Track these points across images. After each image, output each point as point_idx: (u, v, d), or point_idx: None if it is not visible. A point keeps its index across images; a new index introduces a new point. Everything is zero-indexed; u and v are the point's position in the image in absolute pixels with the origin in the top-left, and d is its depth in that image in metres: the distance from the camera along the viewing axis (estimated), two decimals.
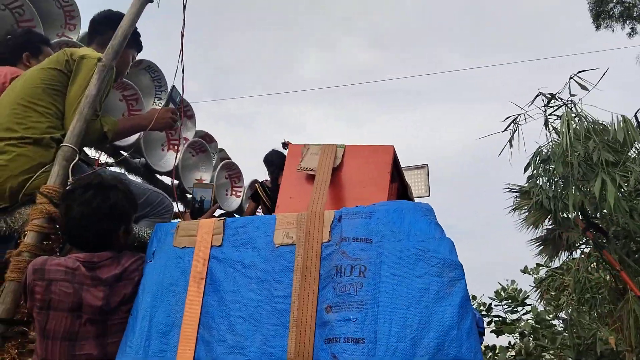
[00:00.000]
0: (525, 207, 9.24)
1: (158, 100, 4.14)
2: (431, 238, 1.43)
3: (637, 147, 4.88)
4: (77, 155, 1.94)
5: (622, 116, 4.59)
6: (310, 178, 1.85)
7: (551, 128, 4.64)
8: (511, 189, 8.49)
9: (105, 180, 1.74)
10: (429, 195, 4.76)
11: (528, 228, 9.58)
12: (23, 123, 1.99)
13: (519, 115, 4.62)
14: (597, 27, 14.01)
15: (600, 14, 13.96)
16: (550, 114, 4.64)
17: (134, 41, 2.46)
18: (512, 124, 4.64)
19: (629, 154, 4.89)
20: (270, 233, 1.60)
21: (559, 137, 4.62)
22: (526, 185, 5.77)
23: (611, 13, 13.87)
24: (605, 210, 4.65)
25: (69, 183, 1.88)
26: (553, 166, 4.72)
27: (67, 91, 2.09)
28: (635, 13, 13.61)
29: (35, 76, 2.09)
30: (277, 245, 1.57)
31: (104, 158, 3.84)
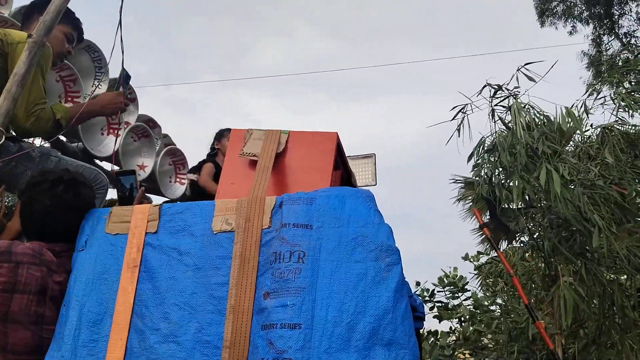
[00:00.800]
0: (470, 198, 9.57)
1: (98, 81, 3.95)
2: (370, 224, 1.44)
3: (577, 139, 5.14)
4: (4, 136, 1.82)
5: (566, 108, 4.82)
6: (253, 164, 1.82)
7: (497, 118, 4.79)
8: (456, 180, 8.75)
9: (75, 175, 1.74)
10: (376, 184, 4.82)
11: (471, 218, 9.93)
12: None
13: (465, 105, 4.73)
14: (542, 24, 14.59)
15: (544, 12, 14.52)
16: (496, 105, 4.79)
17: (69, 18, 2.34)
18: (460, 114, 4.75)
19: (567, 147, 5.16)
20: (209, 220, 1.57)
21: (505, 128, 4.79)
22: (471, 174, 5.96)
23: (555, 11, 14.46)
24: (544, 202, 4.88)
25: None
26: (497, 156, 4.88)
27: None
28: (575, 12, 14.24)
29: None
30: (215, 232, 1.54)
31: (38, 141, 3.65)
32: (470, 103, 4.76)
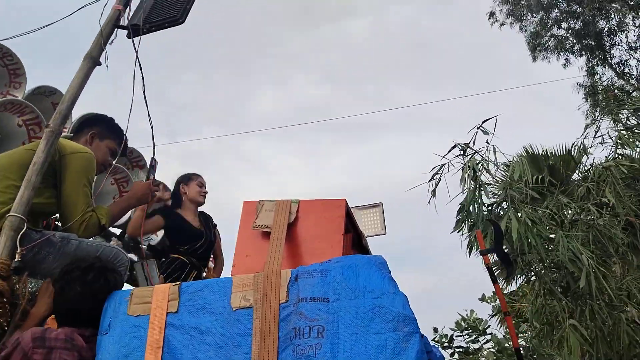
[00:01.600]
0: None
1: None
2: (385, 293, 1.47)
3: (575, 178, 5.22)
4: (25, 225, 1.89)
5: (522, 156, 5.05)
6: (266, 235, 1.87)
7: (466, 176, 4.97)
8: (461, 229, 8.73)
9: (105, 263, 1.85)
10: (385, 233, 4.84)
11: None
12: None
13: (442, 166, 4.93)
14: (534, 59, 14.91)
15: (536, 47, 14.87)
16: (465, 163, 4.99)
17: (115, 133, 2.48)
18: (436, 175, 4.95)
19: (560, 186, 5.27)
20: (227, 296, 1.60)
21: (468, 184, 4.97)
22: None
23: (546, 46, 14.80)
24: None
25: (17, 253, 1.83)
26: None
27: (61, 185, 2.13)
28: (567, 45, 14.56)
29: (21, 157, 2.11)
30: (234, 309, 1.57)
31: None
32: (448, 162, 4.98)
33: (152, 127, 2.43)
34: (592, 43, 14.02)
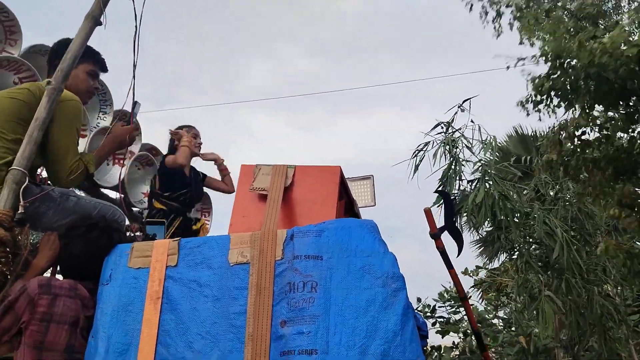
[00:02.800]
0: (466, 212, 9.71)
1: (103, 114, 4.09)
2: (376, 253, 1.56)
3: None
4: (27, 178, 1.94)
5: (493, 137, 5.21)
6: (262, 197, 1.94)
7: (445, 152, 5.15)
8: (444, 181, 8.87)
9: (110, 222, 1.92)
10: (375, 205, 4.95)
11: (469, 230, 10.06)
12: None
13: (427, 143, 5.09)
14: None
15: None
16: (443, 140, 5.16)
17: (88, 55, 2.40)
18: (421, 152, 5.11)
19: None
20: (225, 252, 1.68)
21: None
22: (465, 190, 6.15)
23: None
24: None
25: (20, 205, 1.88)
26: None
27: (48, 133, 2.08)
28: None
29: (4, 105, 2.08)
30: (232, 264, 1.65)
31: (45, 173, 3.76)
32: (432, 140, 5.13)
33: (134, 77, 2.37)
34: None
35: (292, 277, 1.54)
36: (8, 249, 1.83)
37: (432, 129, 5.27)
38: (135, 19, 2.21)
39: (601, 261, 4.70)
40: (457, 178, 5.08)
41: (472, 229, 10.05)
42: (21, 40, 3.37)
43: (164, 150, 4.39)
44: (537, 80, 4.62)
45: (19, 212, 1.86)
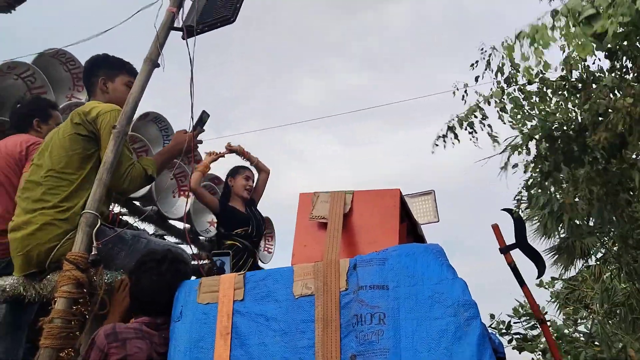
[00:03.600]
0: (536, 218, 9.25)
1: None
2: (444, 280, 1.50)
3: None
4: (99, 221, 2.03)
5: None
6: (323, 226, 1.93)
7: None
8: (519, 199, 8.43)
9: (177, 255, 1.96)
10: (439, 221, 4.81)
11: (540, 238, 9.57)
12: (55, 193, 2.10)
13: (515, 137, 4.73)
14: None
15: None
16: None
17: (120, 66, 2.47)
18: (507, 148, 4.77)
19: None
20: (290, 284, 1.68)
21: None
22: (536, 194, 5.74)
23: None
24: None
25: (94, 247, 1.97)
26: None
27: (102, 152, 2.17)
28: None
29: (61, 146, 2.18)
30: (296, 297, 1.64)
31: (116, 209, 3.96)
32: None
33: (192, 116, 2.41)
34: None
35: (358, 308, 1.51)
36: (85, 290, 1.92)
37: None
38: (191, 63, 2.28)
39: None
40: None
41: (543, 236, 9.58)
42: None
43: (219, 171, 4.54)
44: None
45: (92, 253, 1.95)
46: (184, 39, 2.43)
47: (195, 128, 2.45)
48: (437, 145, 4.96)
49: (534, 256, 2.45)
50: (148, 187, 3.85)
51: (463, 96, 4.99)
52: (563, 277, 8.66)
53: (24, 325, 2.44)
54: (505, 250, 2.32)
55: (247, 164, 4.13)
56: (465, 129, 4.79)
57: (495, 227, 2.45)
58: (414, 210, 4.82)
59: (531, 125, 4.70)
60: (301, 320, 1.60)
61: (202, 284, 1.81)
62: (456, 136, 4.79)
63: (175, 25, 2.46)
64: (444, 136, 4.88)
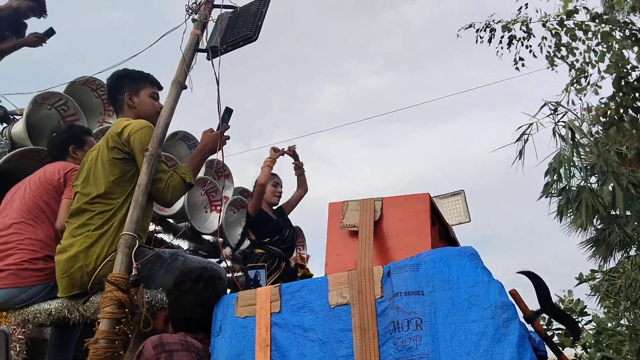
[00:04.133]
0: (571, 210, 9.02)
1: None
2: (480, 282, 1.50)
3: None
4: (137, 241, 2.09)
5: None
6: (354, 234, 1.94)
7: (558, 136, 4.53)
8: (550, 194, 8.19)
9: (212, 272, 2.00)
10: (470, 221, 4.75)
11: (576, 231, 9.32)
12: (101, 217, 2.19)
13: (530, 125, 4.53)
14: None
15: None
16: (557, 122, 4.52)
17: (142, 78, 2.51)
18: (524, 135, 4.55)
19: None
20: (325, 294, 1.69)
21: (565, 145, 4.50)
22: (573, 186, 5.46)
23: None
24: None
25: (133, 267, 2.03)
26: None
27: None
28: None
29: (103, 172, 2.27)
30: (332, 306, 1.66)
31: (151, 227, 4.06)
32: (536, 121, 4.54)
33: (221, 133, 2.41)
34: None
35: (395, 315, 1.52)
36: (127, 310, 1.98)
37: (539, 110, 4.48)
38: (217, 83, 2.33)
39: None
40: (570, 170, 4.39)
41: (579, 229, 9.32)
42: None
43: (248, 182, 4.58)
44: None
45: (132, 274, 2.01)
46: (208, 59, 2.49)
47: (221, 125, 2.46)
48: (481, 38, 4.70)
49: (564, 319, 2.13)
50: (181, 204, 3.95)
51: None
52: (603, 269, 8.42)
53: (70, 347, 2.53)
54: (531, 317, 2.01)
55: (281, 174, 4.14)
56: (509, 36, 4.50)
57: (515, 294, 2.06)
58: (444, 212, 4.78)
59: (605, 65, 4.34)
60: (338, 329, 1.61)
61: (239, 297, 1.84)
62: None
63: (199, 47, 2.53)
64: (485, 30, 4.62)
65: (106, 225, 2.17)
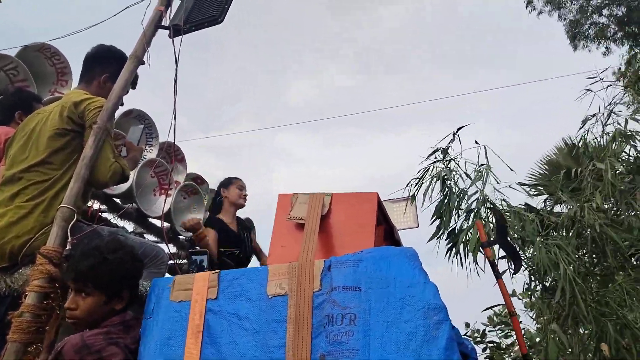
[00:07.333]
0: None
1: (149, 147, 4.25)
2: (416, 283, 1.52)
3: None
4: (75, 215, 2.01)
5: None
6: (300, 227, 1.94)
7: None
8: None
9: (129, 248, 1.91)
10: (418, 226, 4.84)
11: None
12: (35, 187, 2.09)
13: (426, 170, 4.45)
14: (575, 48, 14.45)
15: (575, 36, 14.41)
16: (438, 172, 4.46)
17: (114, 59, 2.45)
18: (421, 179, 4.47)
19: None
20: (264, 284, 1.68)
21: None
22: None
23: (587, 34, 14.33)
24: None
25: (68, 242, 1.95)
26: None
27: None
28: (609, 33, 14.06)
29: (48, 140, 2.17)
30: (270, 296, 1.65)
31: (96, 205, 3.92)
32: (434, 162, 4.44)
33: (174, 115, 2.42)
34: (636, 30, 13.49)
35: (330, 309, 1.52)
36: (57, 285, 1.90)
37: (429, 155, 4.35)
38: (176, 62, 2.28)
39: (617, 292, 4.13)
40: (453, 213, 4.38)
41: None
42: (72, 81, 3.56)
43: (208, 178, 4.48)
44: None
45: (66, 248, 1.93)
46: (170, 37, 2.43)
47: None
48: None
49: (512, 253, 2.68)
50: (129, 184, 3.83)
51: None
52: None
53: None
54: (486, 244, 2.47)
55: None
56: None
57: (479, 224, 2.68)
58: (394, 215, 4.85)
59: None
60: (274, 319, 1.60)
61: (176, 281, 1.80)
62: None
63: (162, 23, 2.47)
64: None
65: (42, 196, 2.08)
